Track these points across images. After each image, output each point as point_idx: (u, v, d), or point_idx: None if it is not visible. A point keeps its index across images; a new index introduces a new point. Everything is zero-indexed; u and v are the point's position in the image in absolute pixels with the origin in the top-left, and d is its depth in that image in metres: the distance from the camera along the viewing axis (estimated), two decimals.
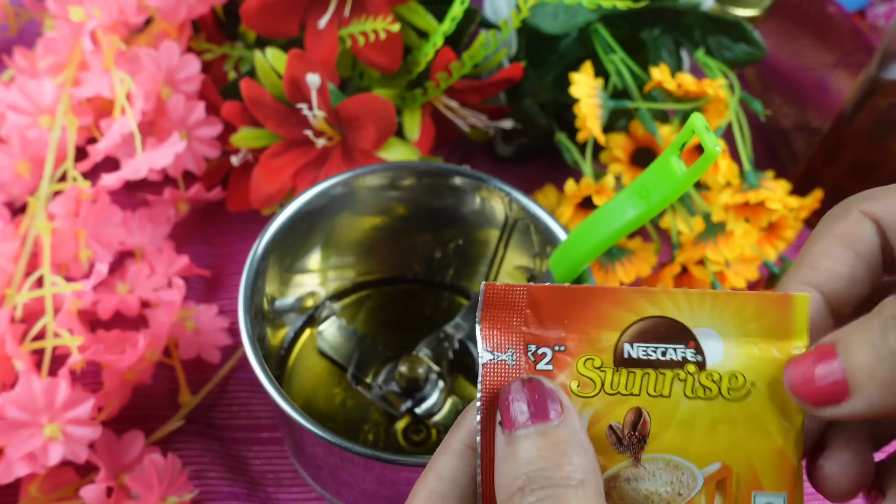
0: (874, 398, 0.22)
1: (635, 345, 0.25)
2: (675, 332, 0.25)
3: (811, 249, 0.25)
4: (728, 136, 0.56)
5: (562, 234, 0.43)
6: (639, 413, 0.25)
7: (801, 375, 0.24)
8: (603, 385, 0.25)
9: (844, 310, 0.26)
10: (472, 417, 0.25)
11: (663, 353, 0.25)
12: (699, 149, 0.51)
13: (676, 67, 0.57)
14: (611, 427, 0.25)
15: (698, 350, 0.25)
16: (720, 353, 0.25)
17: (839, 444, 0.25)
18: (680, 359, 0.25)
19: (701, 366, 0.25)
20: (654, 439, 0.25)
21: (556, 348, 0.25)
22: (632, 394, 0.25)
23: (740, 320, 0.25)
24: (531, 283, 0.25)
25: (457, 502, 0.25)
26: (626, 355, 0.25)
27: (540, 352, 0.25)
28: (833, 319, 0.26)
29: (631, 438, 0.25)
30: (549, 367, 0.25)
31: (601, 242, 0.37)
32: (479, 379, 0.25)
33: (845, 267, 0.25)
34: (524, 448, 0.23)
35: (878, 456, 0.26)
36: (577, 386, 0.25)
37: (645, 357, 0.25)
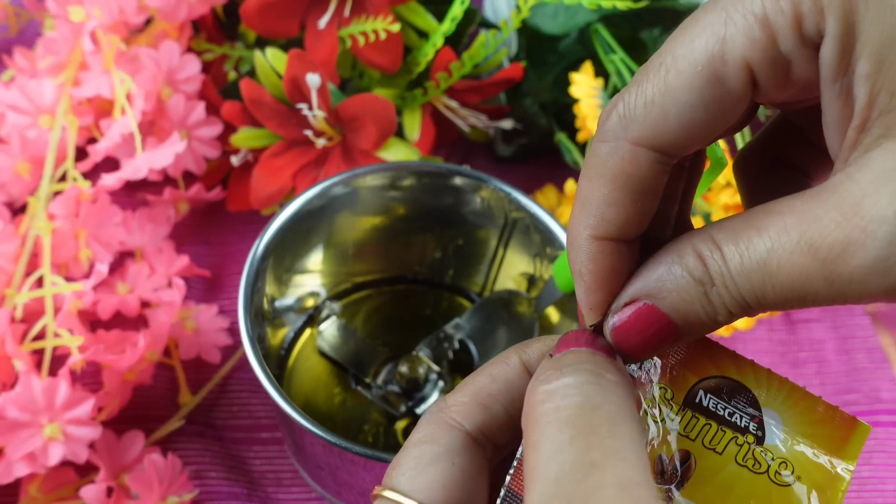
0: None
1: (709, 395, 0.26)
2: (747, 401, 0.26)
3: (594, 195, 0.24)
4: (728, 136, 0.56)
5: (562, 234, 0.43)
6: (688, 455, 0.25)
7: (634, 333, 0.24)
8: (667, 416, 0.26)
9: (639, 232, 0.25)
10: (534, 348, 0.26)
11: (730, 414, 0.26)
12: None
13: None
14: (660, 457, 0.25)
15: (760, 427, 0.26)
16: (778, 438, 0.26)
17: None
18: (743, 426, 0.26)
19: (760, 440, 0.25)
20: (692, 485, 0.25)
21: (651, 362, 0.26)
22: (688, 437, 0.25)
23: (805, 420, 0.26)
24: None
25: (502, 407, 0.25)
26: (697, 399, 0.26)
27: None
28: (630, 244, 0.25)
29: (673, 475, 0.25)
30: (636, 373, 0.26)
31: None
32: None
33: (633, 210, 0.24)
34: (571, 356, 0.24)
35: None
36: (648, 405, 0.26)
37: (713, 409, 0.26)
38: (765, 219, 0.22)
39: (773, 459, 0.25)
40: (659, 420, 0.25)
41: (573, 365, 0.23)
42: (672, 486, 0.25)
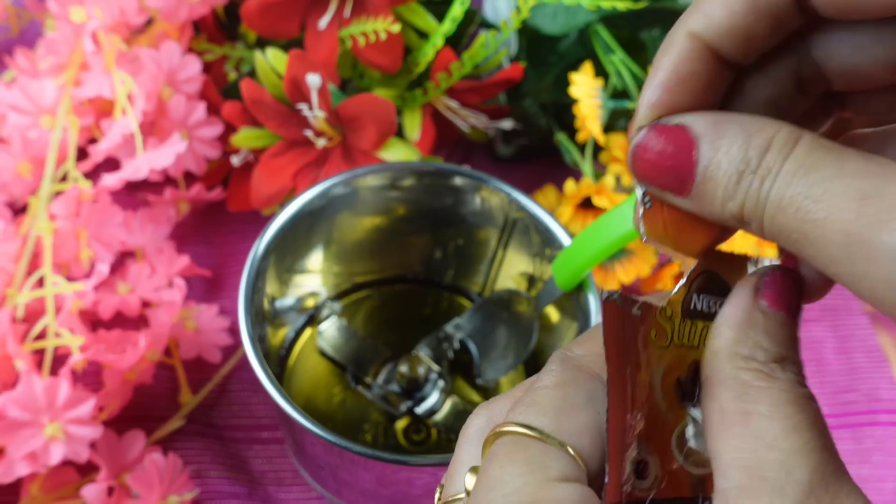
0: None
1: (701, 296, 0.24)
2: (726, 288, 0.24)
3: None
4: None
5: (562, 234, 0.44)
6: (697, 365, 0.24)
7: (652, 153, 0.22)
8: (673, 336, 0.24)
9: (740, 60, 0.22)
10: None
11: (722, 306, 0.24)
12: None
13: None
14: (678, 381, 0.24)
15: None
16: None
17: None
18: None
19: None
20: None
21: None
22: (692, 346, 0.24)
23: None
24: None
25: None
26: (692, 306, 0.24)
27: (633, 297, 0.24)
28: (723, 67, 0.22)
29: (694, 392, 0.24)
30: (638, 312, 0.24)
31: (603, 250, 0.37)
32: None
33: (743, 22, 0.21)
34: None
35: None
36: (655, 335, 0.24)
37: (707, 310, 0.24)
38: (850, 158, 0.19)
39: None
40: (665, 346, 0.24)
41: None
42: (697, 402, 0.24)
